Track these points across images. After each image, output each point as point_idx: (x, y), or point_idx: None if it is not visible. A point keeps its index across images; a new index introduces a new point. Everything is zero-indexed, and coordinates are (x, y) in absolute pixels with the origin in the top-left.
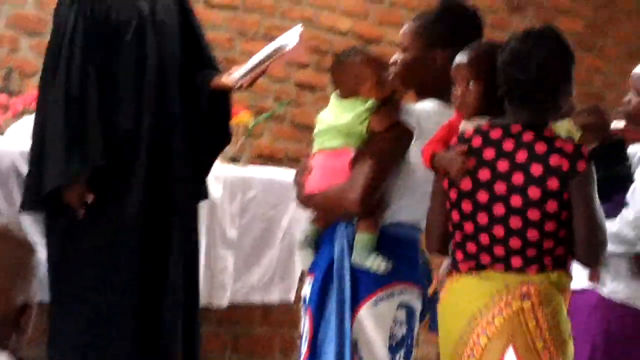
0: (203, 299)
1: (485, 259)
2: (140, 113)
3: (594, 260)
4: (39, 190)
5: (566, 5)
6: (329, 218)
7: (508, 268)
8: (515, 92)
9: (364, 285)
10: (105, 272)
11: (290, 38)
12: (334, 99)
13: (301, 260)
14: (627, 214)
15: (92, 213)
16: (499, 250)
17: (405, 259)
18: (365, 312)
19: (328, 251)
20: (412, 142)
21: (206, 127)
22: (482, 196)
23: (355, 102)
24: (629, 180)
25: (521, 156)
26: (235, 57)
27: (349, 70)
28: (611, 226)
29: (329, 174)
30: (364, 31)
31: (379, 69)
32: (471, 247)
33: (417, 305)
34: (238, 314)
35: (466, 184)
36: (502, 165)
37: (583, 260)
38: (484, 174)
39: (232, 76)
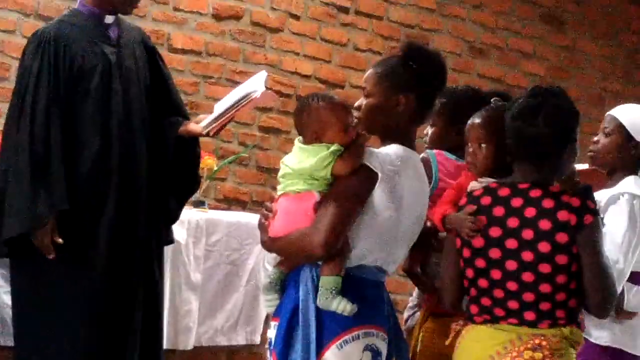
0: (168, 342)
1: (499, 312)
2: (107, 157)
3: (604, 310)
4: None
5: (529, 49)
6: (293, 261)
7: (522, 321)
8: (522, 148)
9: (329, 328)
10: (72, 315)
11: (255, 84)
12: (297, 144)
13: (266, 304)
14: None
15: (60, 256)
16: (512, 304)
17: (370, 302)
18: (330, 355)
19: (293, 294)
20: (376, 185)
21: (174, 174)
22: (495, 253)
23: (319, 147)
24: None
25: (530, 212)
26: (200, 101)
27: (313, 116)
28: None
29: (292, 218)
30: (327, 75)
31: (344, 114)
32: (486, 301)
33: (383, 348)
34: (203, 357)
35: (479, 242)
36: (512, 222)
37: (593, 310)
38: (495, 231)
39: (201, 124)
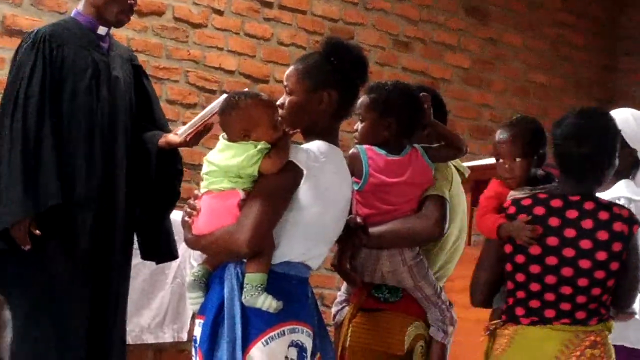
0: None
1: (550, 313)
2: (91, 159)
3: (631, 305)
4: None
5: (453, 41)
6: (218, 259)
7: (574, 321)
8: (572, 165)
9: (255, 324)
10: (60, 305)
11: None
12: (222, 140)
13: (190, 301)
14: None
15: (42, 251)
16: (565, 306)
17: (295, 298)
18: (256, 352)
19: (218, 292)
20: (301, 182)
21: (155, 185)
22: (551, 260)
23: (246, 144)
24: None
25: (587, 224)
26: None
27: (241, 113)
28: None
29: (217, 216)
30: (251, 70)
31: (271, 111)
32: (534, 303)
33: (308, 344)
34: (130, 355)
35: (535, 249)
36: (569, 232)
37: (623, 305)
38: (552, 241)
39: (178, 133)
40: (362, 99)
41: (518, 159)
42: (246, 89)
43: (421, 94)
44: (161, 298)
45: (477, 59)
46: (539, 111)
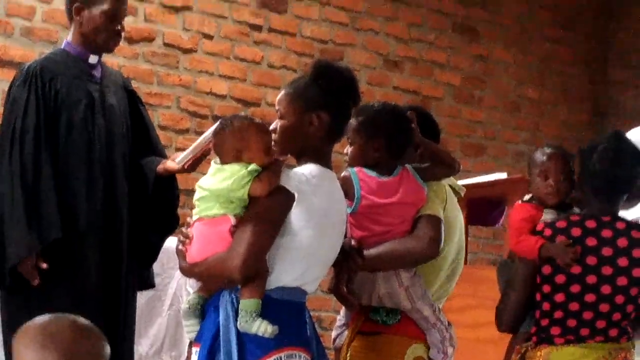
0: None
1: (584, 332)
2: (92, 189)
3: None
4: (1, 265)
5: (443, 59)
6: (212, 286)
7: (607, 338)
8: (607, 187)
9: (251, 351)
10: None
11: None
12: (214, 165)
13: (186, 329)
14: None
15: (49, 286)
16: (600, 324)
17: (291, 323)
18: None
19: (213, 319)
20: (293, 206)
21: (153, 211)
22: (591, 279)
23: (237, 166)
24: None
25: (622, 242)
26: None
27: (234, 135)
28: None
29: (209, 242)
30: (242, 94)
31: (264, 135)
32: (571, 322)
33: None
34: None
35: (576, 269)
36: (606, 251)
37: None
38: (591, 260)
39: (176, 160)
40: (351, 121)
41: (563, 179)
42: (241, 113)
43: (408, 113)
44: (158, 325)
45: (468, 76)
46: (531, 126)
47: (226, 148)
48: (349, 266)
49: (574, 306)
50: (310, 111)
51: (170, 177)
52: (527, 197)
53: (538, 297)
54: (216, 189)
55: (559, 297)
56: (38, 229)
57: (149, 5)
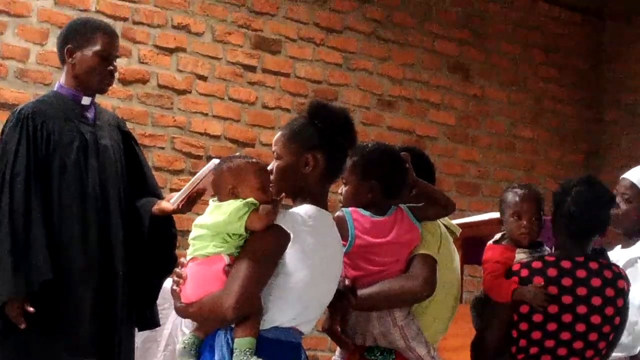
0: None
1: None
2: (86, 231)
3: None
4: None
5: (437, 99)
6: (208, 326)
7: None
8: (581, 228)
9: None
10: None
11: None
12: (212, 203)
13: None
14: None
15: (40, 329)
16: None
17: None
18: None
19: (208, 359)
20: (289, 246)
21: (150, 253)
22: (567, 317)
23: (234, 201)
24: None
25: (596, 282)
26: None
27: (232, 172)
28: None
29: (203, 282)
30: (237, 134)
31: (262, 173)
32: (546, 358)
33: None
34: None
35: (552, 308)
36: (581, 291)
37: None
38: (567, 299)
39: (171, 200)
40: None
41: (535, 219)
42: (237, 154)
43: (402, 153)
44: None
45: (462, 116)
46: (526, 165)
47: (224, 185)
48: (343, 306)
49: (549, 343)
50: (306, 152)
51: (166, 218)
52: (497, 236)
53: (514, 334)
54: (213, 223)
55: (536, 335)
56: (26, 272)
57: (143, 46)
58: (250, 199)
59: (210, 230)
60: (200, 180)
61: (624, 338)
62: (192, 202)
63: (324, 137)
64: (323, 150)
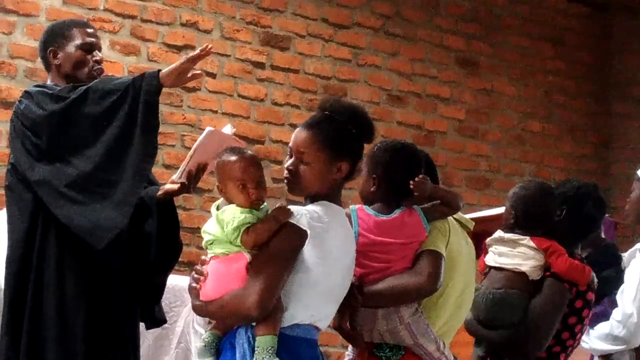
0: None
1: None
2: None
3: None
4: None
5: (446, 93)
6: (227, 324)
7: None
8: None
9: None
10: None
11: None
12: (213, 210)
13: None
14: (616, 314)
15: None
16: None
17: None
18: None
19: (229, 357)
20: (306, 243)
21: (158, 239)
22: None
23: (227, 217)
24: (619, 281)
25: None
26: None
27: (217, 173)
28: (604, 327)
29: (224, 280)
30: (246, 131)
31: (245, 174)
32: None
33: None
34: None
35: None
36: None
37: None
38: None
39: (173, 178)
40: None
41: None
42: (236, 146)
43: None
44: None
45: (472, 110)
46: (536, 159)
47: (218, 181)
48: (350, 303)
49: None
50: (339, 160)
51: (170, 203)
52: (498, 232)
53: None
54: (215, 235)
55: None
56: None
57: (151, 44)
58: (238, 221)
59: (218, 239)
60: (195, 151)
61: (618, 330)
62: (196, 178)
63: (356, 146)
64: (354, 157)
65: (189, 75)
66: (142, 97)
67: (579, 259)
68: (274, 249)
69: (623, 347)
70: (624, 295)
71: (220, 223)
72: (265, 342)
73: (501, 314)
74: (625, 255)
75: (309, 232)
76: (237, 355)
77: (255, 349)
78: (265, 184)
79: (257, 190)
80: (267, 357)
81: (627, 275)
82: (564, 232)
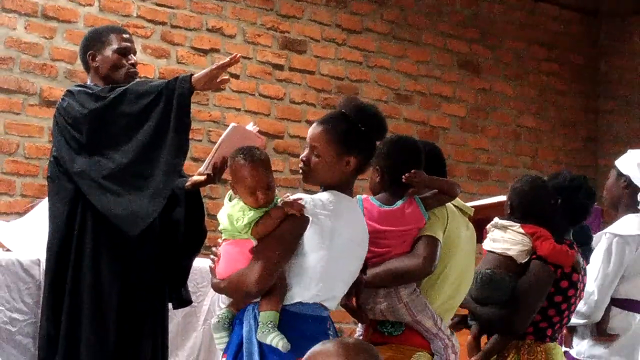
0: None
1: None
2: None
3: None
4: None
5: (449, 93)
6: (238, 301)
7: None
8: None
9: None
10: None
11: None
12: (226, 202)
13: (217, 342)
14: None
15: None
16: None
17: (310, 336)
18: None
19: (238, 332)
20: (308, 228)
21: (185, 228)
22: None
23: (237, 213)
24: (586, 260)
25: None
26: None
27: (231, 172)
28: None
29: (233, 260)
30: (267, 127)
31: (256, 176)
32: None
33: None
34: None
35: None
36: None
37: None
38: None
39: (199, 170)
40: None
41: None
42: (250, 147)
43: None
44: (194, 339)
45: (472, 108)
46: (531, 152)
47: (231, 177)
48: (355, 283)
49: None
50: (348, 154)
51: (197, 193)
52: (495, 219)
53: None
54: (228, 229)
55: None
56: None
57: (180, 48)
58: (248, 218)
59: (227, 230)
60: (220, 145)
61: (581, 307)
62: (221, 170)
63: (365, 141)
64: (363, 152)
65: (218, 80)
66: (175, 99)
67: (568, 244)
68: (277, 233)
69: (585, 321)
70: (587, 275)
71: (230, 218)
72: (266, 317)
73: (489, 292)
74: (594, 237)
75: (310, 218)
76: (244, 329)
77: (259, 323)
78: (274, 185)
79: (266, 195)
80: (267, 330)
81: (592, 257)
82: (558, 220)
